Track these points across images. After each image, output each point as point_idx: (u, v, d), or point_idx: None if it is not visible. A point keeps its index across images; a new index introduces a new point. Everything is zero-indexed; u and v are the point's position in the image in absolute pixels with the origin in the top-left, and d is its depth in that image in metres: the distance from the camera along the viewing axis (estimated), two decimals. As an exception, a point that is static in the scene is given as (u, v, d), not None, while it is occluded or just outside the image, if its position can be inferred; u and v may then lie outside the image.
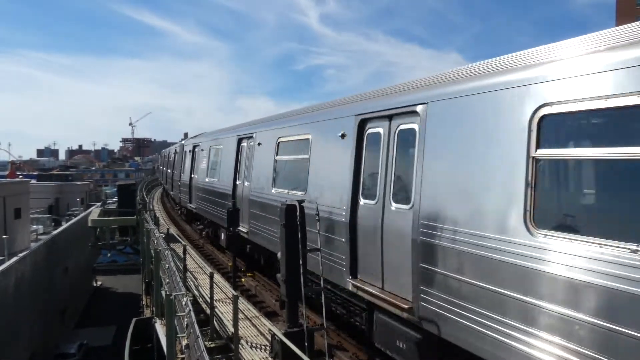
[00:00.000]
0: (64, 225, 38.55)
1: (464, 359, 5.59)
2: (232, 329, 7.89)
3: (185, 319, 8.42)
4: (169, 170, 34.89)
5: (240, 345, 8.05)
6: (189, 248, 14.86)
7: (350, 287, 7.79)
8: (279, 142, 11.41)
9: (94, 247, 36.43)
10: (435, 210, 5.95)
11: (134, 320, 17.23)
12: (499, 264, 4.96)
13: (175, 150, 30.16)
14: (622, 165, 4.12)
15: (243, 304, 10.26)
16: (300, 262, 7.61)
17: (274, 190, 11.24)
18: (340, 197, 8.11)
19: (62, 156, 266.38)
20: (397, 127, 7.02)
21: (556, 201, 4.89)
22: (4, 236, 27.36)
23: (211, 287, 9.33)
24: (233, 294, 8.00)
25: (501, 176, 5.12)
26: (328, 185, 8.65)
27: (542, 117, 4.76)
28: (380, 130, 7.38)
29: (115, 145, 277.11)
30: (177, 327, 8.78)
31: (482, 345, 5.14)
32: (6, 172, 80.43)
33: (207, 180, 18.53)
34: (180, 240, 15.87)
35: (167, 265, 12.21)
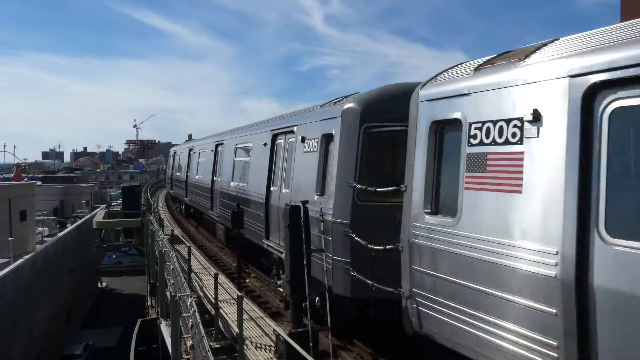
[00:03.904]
0: (69, 227, 38.71)
1: None
2: (236, 330, 7.92)
3: (190, 320, 8.47)
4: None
5: (245, 346, 8.08)
6: (194, 249, 14.90)
7: None
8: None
9: (99, 249, 36.59)
10: None
11: (139, 321, 17.32)
12: None
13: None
14: None
15: (248, 304, 10.30)
16: (305, 263, 7.65)
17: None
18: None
19: (67, 158, 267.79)
20: None
21: None
22: (10, 238, 27.50)
23: (216, 288, 9.37)
24: (238, 295, 8.03)
25: None
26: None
27: None
28: None
29: (119, 147, 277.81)
30: (182, 328, 8.84)
31: None
32: (11, 175, 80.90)
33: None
34: (185, 241, 15.92)
35: (171, 267, 12.28)
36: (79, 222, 41.00)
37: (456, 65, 6.59)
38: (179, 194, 30.98)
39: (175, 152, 35.54)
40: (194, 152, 25.09)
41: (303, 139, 10.06)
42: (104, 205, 44.97)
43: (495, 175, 5.08)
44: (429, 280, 5.82)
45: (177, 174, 31.46)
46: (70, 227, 38.54)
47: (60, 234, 35.59)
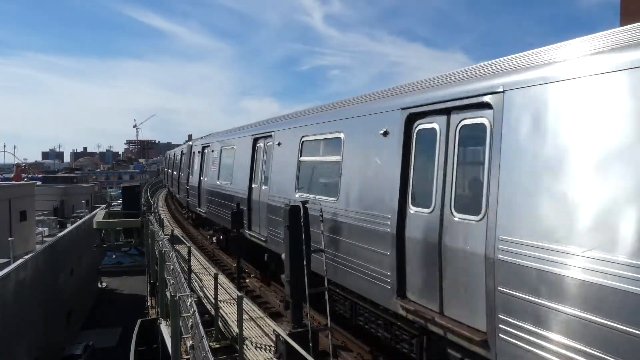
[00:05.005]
0: (69, 228, 38.72)
1: None
2: (236, 330, 7.93)
3: (190, 320, 8.47)
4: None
5: (244, 346, 8.08)
6: (194, 249, 14.92)
7: None
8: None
9: (99, 249, 36.60)
10: None
11: (139, 321, 17.34)
12: None
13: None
14: None
15: (248, 304, 10.30)
16: (304, 262, 7.66)
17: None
18: None
19: (67, 158, 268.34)
20: None
21: None
22: (10, 238, 27.54)
23: (216, 288, 9.38)
24: (237, 295, 8.04)
25: None
26: None
27: None
28: None
29: (119, 148, 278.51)
30: (182, 328, 8.84)
31: None
32: (12, 175, 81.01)
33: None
34: (185, 241, 15.93)
35: (171, 267, 12.29)
36: (79, 222, 40.98)
37: None
38: (215, 214, 18.08)
39: (206, 147, 21.06)
40: (263, 146, 13.38)
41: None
42: (104, 206, 45.03)
43: None
44: None
45: (218, 183, 17.56)
46: (70, 227, 38.53)
47: (60, 234, 35.60)
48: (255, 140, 13.91)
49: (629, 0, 17.40)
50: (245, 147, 14.65)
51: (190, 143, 26.19)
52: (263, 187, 12.87)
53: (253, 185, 13.72)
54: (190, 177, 24.16)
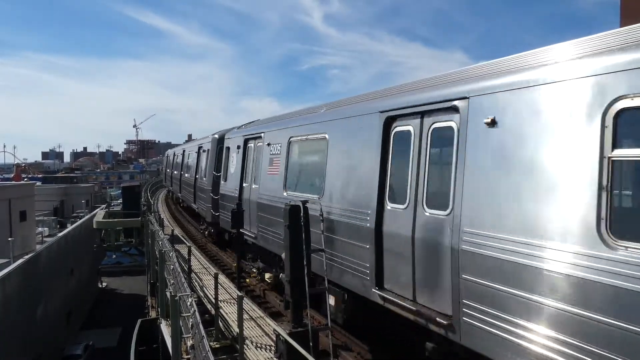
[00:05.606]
0: (69, 228, 38.65)
1: None
2: (237, 330, 7.94)
3: (190, 320, 8.48)
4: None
5: (245, 346, 8.09)
6: (194, 249, 14.91)
7: None
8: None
9: (99, 249, 36.61)
10: None
11: (139, 321, 17.36)
12: None
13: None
14: None
15: (248, 304, 10.31)
16: (305, 262, 7.66)
17: None
18: None
19: (67, 158, 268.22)
20: None
21: None
22: (10, 238, 27.50)
23: (216, 288, 9.40)
24: (238, 295, 8.05)
25: None
26: None
27: None
28: None
29: (119, 148, 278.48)
30: (182, 328, 8.85)
31: None
32: (11, 175, 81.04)
33: None
34: (185, 241, 15.93)
35: (171, 267, 12.29)
36: (79, 222, 40.91)
37: None
38: (280, 244, 10.23)
39: (251, 140, 14.69)
40: (418, 132, 6.81)
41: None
42: (104, 205, 45.00)
43: None
44: None
45: (286, 194, 10.93)
46: (70, 227, 38.46)
47: (60, 234, 35.55)
48: (390, 122, 7.50)
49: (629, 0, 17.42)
50: (358, 138, 8.36)
51: (216, 135, 20.16)
52: (429, 213, 6.48)
53: (389, 206, 7.32)
54: (223, 182, 17.62)
